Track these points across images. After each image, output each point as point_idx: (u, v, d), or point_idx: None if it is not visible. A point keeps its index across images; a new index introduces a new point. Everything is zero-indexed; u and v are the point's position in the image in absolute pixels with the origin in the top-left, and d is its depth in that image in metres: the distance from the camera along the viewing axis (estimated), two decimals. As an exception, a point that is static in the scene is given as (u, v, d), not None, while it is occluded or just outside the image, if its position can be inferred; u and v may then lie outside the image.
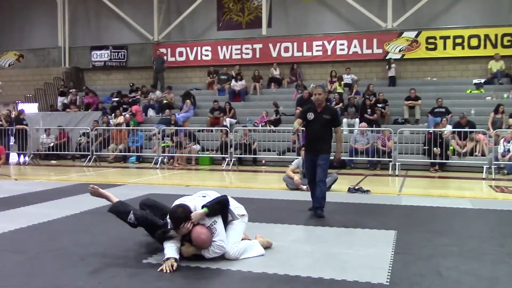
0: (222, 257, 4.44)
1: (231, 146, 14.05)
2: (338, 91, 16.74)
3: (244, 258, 4.48)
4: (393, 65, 17.47)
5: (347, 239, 5.41)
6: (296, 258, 4.59)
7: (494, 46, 16.98)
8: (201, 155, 14.83)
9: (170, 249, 4.32)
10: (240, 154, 14.19)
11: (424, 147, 13.28)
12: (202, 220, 4.38)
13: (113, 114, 17.35)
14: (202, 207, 4.41)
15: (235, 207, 4.74)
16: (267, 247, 4.79)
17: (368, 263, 4.44)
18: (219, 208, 4.48)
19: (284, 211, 7.07)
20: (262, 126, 15.44)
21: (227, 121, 15.92)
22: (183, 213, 4.38)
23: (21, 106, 20.38)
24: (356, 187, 9.09)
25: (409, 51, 17.79)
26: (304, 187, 8.93)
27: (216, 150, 14.76)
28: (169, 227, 4.49)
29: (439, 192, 9.34)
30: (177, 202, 4.63)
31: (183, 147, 14.42)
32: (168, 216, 4.50)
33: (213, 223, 4.39)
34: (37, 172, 12.75)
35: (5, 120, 16.08)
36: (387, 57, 17.87)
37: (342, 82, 17.23)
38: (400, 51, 17.85)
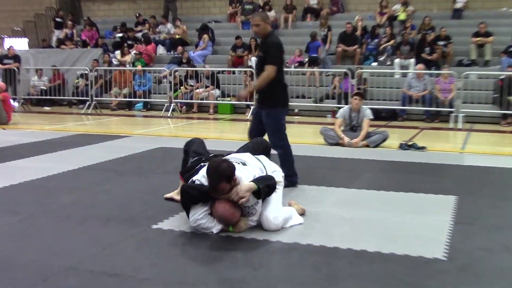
0: (258, 227, 4.45)
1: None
2: (400, 18, 16.40)
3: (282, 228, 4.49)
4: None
5: (397, 204, 5.41)
6: (334, 227, 4.62)
7: None
8: (221, 102, 14.82)
9: (213, 220, 4.34)
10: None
11: (495, 95, 13.00)
12: (246, 198, 4.25)
13: (117, 52, 17.29)
14: (253, 182, 4.32)
15: (272, 171, 4.74)
16: (301, 214, 4.82)
17: (422, 233, 4.44)
18: (267, 191, 4.39)
19: (321, 170, 7.08)
20: (294, 68, 15.27)
21: (252, 60, 15.79)
22: (228, 170, 4.19)
23: (8, 41, 20.54)
24: (409, 143, 9.03)
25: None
26: (347, 140, 8.90)
27: (239, 96, 14.73)
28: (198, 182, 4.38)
29: (511, 151, 9.18)
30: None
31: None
32: (205, 169, 4.35)
33: (255, 204, 4.36)
34: (28, 120, 12.98)
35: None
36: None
37: (407, 8, 16.71)
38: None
